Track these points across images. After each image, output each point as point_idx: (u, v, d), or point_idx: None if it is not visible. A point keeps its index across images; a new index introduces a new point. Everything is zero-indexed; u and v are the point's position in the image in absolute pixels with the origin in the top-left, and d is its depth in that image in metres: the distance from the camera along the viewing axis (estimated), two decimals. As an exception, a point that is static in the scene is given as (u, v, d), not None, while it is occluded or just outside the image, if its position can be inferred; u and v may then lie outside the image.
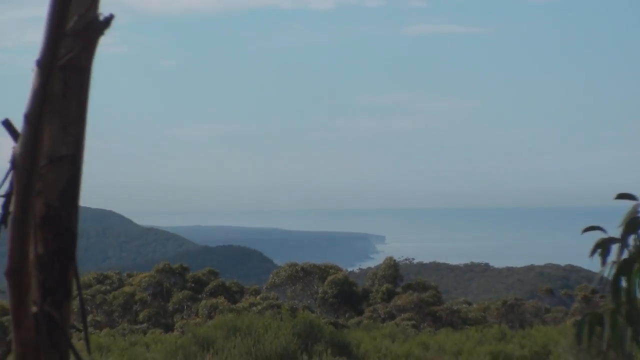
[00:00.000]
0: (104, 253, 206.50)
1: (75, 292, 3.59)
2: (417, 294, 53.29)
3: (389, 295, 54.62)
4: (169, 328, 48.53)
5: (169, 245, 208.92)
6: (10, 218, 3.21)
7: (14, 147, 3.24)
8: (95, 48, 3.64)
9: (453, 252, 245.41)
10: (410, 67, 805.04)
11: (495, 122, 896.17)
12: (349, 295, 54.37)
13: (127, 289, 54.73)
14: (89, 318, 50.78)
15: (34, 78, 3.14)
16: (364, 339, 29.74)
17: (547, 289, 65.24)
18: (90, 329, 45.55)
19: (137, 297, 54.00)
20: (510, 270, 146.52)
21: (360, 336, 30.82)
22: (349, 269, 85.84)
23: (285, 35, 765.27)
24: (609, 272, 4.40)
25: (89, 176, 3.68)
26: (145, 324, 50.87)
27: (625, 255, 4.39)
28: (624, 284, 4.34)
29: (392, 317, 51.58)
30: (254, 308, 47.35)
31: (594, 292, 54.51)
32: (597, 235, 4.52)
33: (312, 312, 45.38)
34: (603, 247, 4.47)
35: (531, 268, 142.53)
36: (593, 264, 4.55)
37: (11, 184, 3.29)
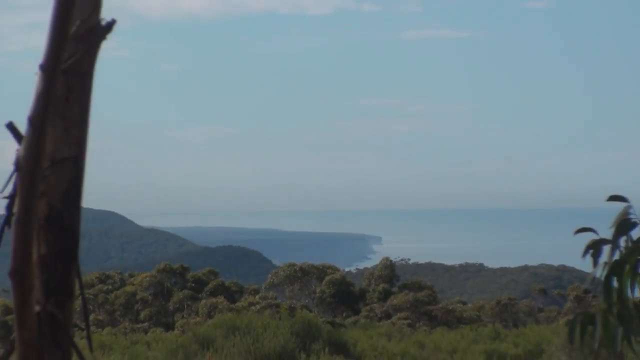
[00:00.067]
0: (106, 253, 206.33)
1: (77, 291, 3.59)
2: (413, 294, 53.28)
3: (386, 295, 54.61)
4: (169, 327, 48.50)
5: (170, 245, 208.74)
6: (13, 219, 3.21)
7: (17, 150, 3.24)
8: (97, 52, 3.64)
9: (448, 252, 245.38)
10: (408, 70, 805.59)
11: (491, 125, 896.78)
12: (346, 295, 54.35)
13: (128, 288, 54.71)
14: (91, 317, 50.75)
15: (37, 82, 3.14)
16: (360, 338, 29.73)
17: (541, 289, 65.24)
18: (92, 328, 45.53)
19: (138, 297, 53.97)
20: (504, 270, 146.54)
21: (357, 335, 30.81)
22: (346, 269, 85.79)
23: (284, 39, 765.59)
24: (601, 272, 4.40)
25: (91, 178, 3.68)
26: (146, 323, 50.84)
27: (617, 256, 4.39)
28: (615, 284, 4.35)
29: (388, 316, 51.58)
30: (253, 307, 47.32)
31: (586, 292, 54.51)
32: (589, 237, 4.53)
33: (310, 311, 45.37)
34: (594, 248, 4.48)
35: (525, 268, 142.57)
36: (585, 265, 4.55)
37: (15, 185, 3.30)
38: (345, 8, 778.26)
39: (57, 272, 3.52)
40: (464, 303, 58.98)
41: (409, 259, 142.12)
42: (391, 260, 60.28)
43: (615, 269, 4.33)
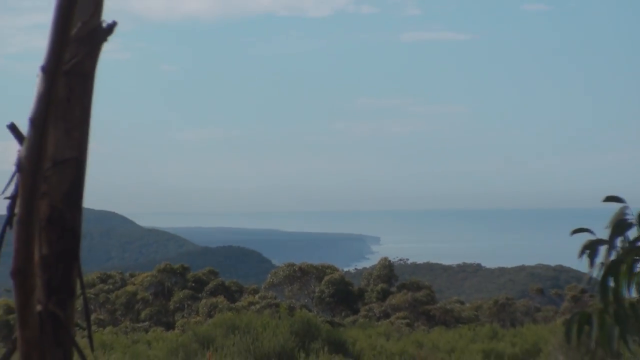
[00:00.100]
0: (107, 253, 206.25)
1: (79, 291, 3.59)
2: (411, 294, 53.28)
3: (384, 295, 54.62)
4: (170, 326, 48.49)
5: (170, 245, 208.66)
6: (15, 219, 3.21)
7: (19, 150, 3.24)
8: (98, 54, 3.64)
9: (446, 252, 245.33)
10: (407, 72, 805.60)
11: (488, 126, 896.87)
12: (345, 295, 54.35)
13: (129, 288, 54.71)
14: (93, 316, 50.74)
15: (39, 83, 3.14)
16: (359, 337, 29.73)
17: (538, 289, 65.24)
18: (93, 327, 45.51)
19: (139, 296, 53.97)
20: (501, 270, 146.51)
21: (356, 334, 30.81)
22: (345, 269, 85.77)
23: (283, 41, 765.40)
24: (597, 272, 4.40)
25: (92, 178, 3.69)
26: (147, 323, 50.84)
27: (613, 256, 4.39)
28: (611, 284, 4.35)
29: (387, 315, 51.58)
30: (253, 307, 47.32)
31: (583, 291, 54.54)
32: (586, 237, 4.53)
33: (310, 311, 45.36)
34: (591, 248, 4.48)
35: (522, 268, 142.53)
36: (582, 265, 4.55)
37: (17, 186, 3.30)
38: (344, 10, 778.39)
39: (59, 272, 3.52)
40: (462, 303, 58.98)
41: (407, 259, 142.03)
42: (390, 261, 60.30)
43: (611, 269, 4.33)
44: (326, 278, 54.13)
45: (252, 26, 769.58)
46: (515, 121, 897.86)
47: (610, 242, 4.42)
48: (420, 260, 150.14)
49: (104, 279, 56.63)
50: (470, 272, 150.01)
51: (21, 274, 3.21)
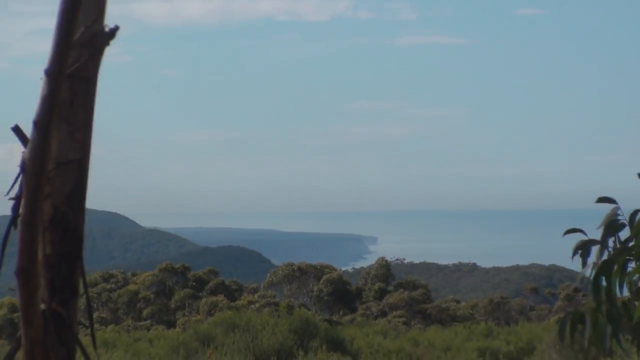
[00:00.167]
0: (109, 253, 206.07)
1: (81, 290, 3.59)
2: (408, 293, 53.26)
3: (381, 294, 54.59)
4: (171, 325, 48.45)
5: (171, 245, 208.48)
6: (19, 220, 3.21)
7: (23, 152, 3.24)
8: (101, 58, 3.65)
9: (442, 252, 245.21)
10: (402, 75, 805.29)
11: (483, 127, 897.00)
12: (343, 294, 54.33)
13: (131, 287, 54.67)
14: (95, 315, 50.71)
15: (42, 86, 3.14)
16: (357, 336, 29.71)
17: (532, 288, 65.22)
18: (96, 326, 45.39)
19: (141, 295, 53.94)
20: (496, 269, 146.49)
21: (353, 333, 30.80)
22: (343, 269, 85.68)
23: (282, 45, 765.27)
24: (590, 272, 4.41)
25: (94, 180, 3.69)
26: (148, 321, 50.80)
27: (605, 256, 4.40)
28: (604, 283, 4.35)
29: (384, 314, 51.56)
30: (253, 306, 47.32)
31: (576, 290, 54.50)
32: (579, 237, 4.53)
33: (308, 309, 45.35)
34: (583, 248, 4.49)
35: (516, 268, 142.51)
36: (575, 264, 4.56)
37: (20, 187, 3.30)
38: (342, 15, 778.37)
39: (62, 272, 3.52)
40: (458, 302, 58.96)
41: (404, 259, 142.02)
42: (387, 260, 60.27)
43: (604, 268, 4.34)
44: (324, 277, 54.10)
45: (251, 30, 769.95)
46: (510, 123, 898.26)
47: (603, 243, 4.42)
48: (417, 259, 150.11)
49: (107, 278, 56.60)
50: (465, 271, 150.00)
51: (25, 274, 3.21)
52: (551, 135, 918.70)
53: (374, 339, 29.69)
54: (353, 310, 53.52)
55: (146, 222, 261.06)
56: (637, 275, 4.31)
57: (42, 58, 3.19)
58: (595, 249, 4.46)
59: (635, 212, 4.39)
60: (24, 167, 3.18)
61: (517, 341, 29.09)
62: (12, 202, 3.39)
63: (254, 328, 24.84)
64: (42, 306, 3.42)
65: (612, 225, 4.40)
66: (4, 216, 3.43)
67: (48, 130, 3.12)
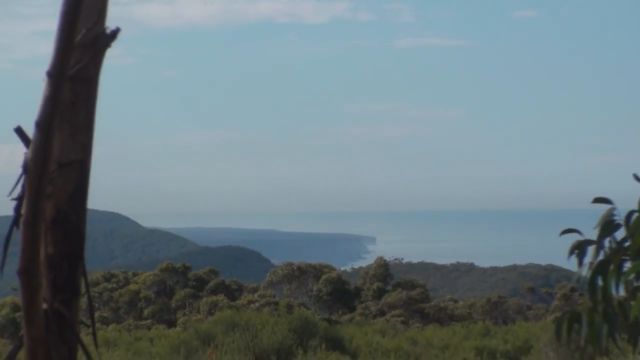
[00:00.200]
0: (111, 253, 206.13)
1: (83, 290, 3.59)
2: (406, 292, 53.29)
3: (380, 293, 54.62)
4: (172, 324, 48.48)
5: (172, 245, 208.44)
6: (22, 220, 3.21)
7: (25, 153, 3.24)
8: (102, 59, 3.65)
9: (440, 252, 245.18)
10: (400, 77, 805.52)
11: (481, 129, 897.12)
12: (342, 293, 54.35)
13: (132, 287, 54.69)
14: (97, 314, 50.70)
15: (44, 88, 3.14)
16: (356, 335, 29.72)
17: (529, 288, 65.29)
18: (97, 325, 45.44)
19: (142, 295, 53.96)
20: (494, 269, 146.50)
21: (352, 332, 30.81)
22: (342, 269, 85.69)
23: (282, 47, 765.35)
24: (586, 272, 4.41)
25: (96, 180, 3.69)
26: (149, 320, 50.82)
27: (601, 256, 4.40)
28: (600, 283, 4.35)
29: (382, 313, 51.58)
30: (252, 305, 47.34)
31: (572, 290, 54.53)
32: (575, 237, 4.54)
33: (307, 309, 45.36)
34: (579, 248, 4.49)
35: (514, 267, 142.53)
36: (572, 264, 4.56)
37: (23, 187, 3.30)
38: (341, 17, 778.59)
39: (64, 271, 3.52)
40: (455, 301, 58.99)
41: (402, 259, 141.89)
42: (385, 260, 60.31)
43: (600, 268, 4.34)
44: (324, 277, 54.12)
45: (251, 32, 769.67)
46: (507, 124, 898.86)
47: (599, 243, 4.42)
48: (415, 259, 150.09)
49: (108, 278, 56.62)
50: (463, 271, 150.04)
51: (27, 273, 3.21)
52: (548, 136, 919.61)
53: (373, 338, 29.70)
54: (352, 309, 53.54)
55: (147, 222, 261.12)
56: (632, 275, 4.31)
57: (44, 60, 3.19)
58: (591, 249, 4.46)
59: (631, 213, 4.39)
60: (26, 167, 3.18)
61: (515, 340, 29.10)
62: (14, 203, 3.39)
63: (253, 327, 24.84)
64: (44, 305, 3.42)
65: (608, 226, 4.40)
66: (7, 216, 3.43)
67: (50, 132, 3.12)
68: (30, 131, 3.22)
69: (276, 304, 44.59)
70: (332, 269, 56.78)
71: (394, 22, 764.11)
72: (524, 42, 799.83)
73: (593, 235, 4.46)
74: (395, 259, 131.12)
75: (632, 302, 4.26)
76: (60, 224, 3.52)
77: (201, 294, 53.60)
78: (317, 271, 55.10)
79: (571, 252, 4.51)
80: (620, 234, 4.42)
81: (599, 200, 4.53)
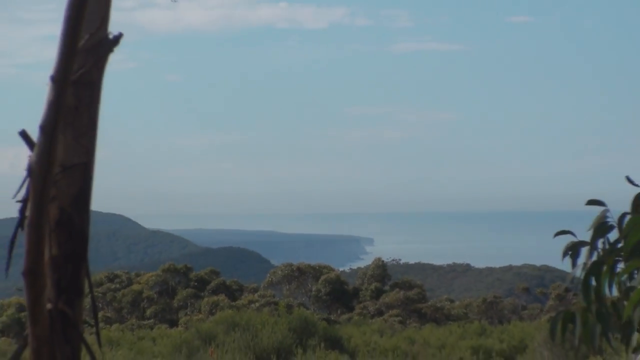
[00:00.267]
0: (114, 254, 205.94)
1: (87, 290, 3.59)
2: (404, 292, 53.26)
3: (378, 293, 54.59)
4: (173, 323, 48.45)
5: (174, 246, 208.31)
6: (26, 222, 3.21)
7: (30, 156, 3.24)
8: (105, 64, 3.65)
9: (437, 253, 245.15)
10: (398, 81, 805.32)
11: (477, 131, 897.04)
12: (340, 293, 54.32)
13: (135, 287, 54.66)
14: (100, 314, 50.67)
15: (48, 92, 3.14)
16: (354, 334, 29.72)
17: (524, 288, 65.25)
18: (101, 325, 45.40)
19: (144, 295, 53.93)
20: (490, 270, 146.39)
21: (351, 331, 30.80)
22: (341, 269, 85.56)
23: (281, 51, 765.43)
24: (580, 272, 4.41)
25: (99, 183, 3.68)
26: (152, 320, 50.79)
27: (595, 257, 4.40)
28: (593, 283, 4.36)
29: (380, 313, 51.55)
30: (253, 305, 47.31)
31: (567, 290, 54.52)
32: (569, 239, 4.54)
33: (307, 309, 45.34)
34: (573, 250, 4.49)
35: (509, 268, 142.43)
36: (566, 265, 4.56)
37: (27, 190, 3.30)
38: (340, 23, 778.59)
39: (68, 272, 3.52)
40: (452, 301, 58.96)
41: (399, 259, 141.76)
42: (383, 261, 60.29)
43: (593, 269, 4.34)
44: (323, 277, 54.10)
45: (252, 37, 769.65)
46: (503, 127, 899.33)
47: (592, 244, 4.43)
48: (412, 260, 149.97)
49: (111, 279, 56.59)
50: (459, 271, 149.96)
51: (32, 274, 3.21)
52: (544, 138, 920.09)
53: (371, 337, 29.70)
54: (350, 309, 53.52)
55: (149, 224, 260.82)
56: (625, 276, 4.31)
57: (48, 64, 3.19)
58: (584, 250, 4.46)
59: (624, 215, 4.40)
60: (30, 170, 3.18)
61: (510, 339, 29.09)
62: (19, 205, 3.39)
63: (254, 327, 24.84)
64: (49, 306, 3.42)
65: (601, 227, 4.41)
66: (12, 218, 3.43)
67: (54, 135, 3.12)
68: (34, 135, 3.22)
69: (276, 304, 44.57)
70: (330, 269, 56.75)
71: (392, 27, 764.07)
72: (520, 46, 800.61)
73: (587, 236, 4.47)
74: (393, 260, 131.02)
75: (625, 302, 4.26)
76: (64, 225, 3.52)
77: (202, 294, 53.57)
78: (316, 272, 55.07)
79: (565, 253, 4.52)
80: (614, 235, 4.43)
81: (592, 202, 4.53)
